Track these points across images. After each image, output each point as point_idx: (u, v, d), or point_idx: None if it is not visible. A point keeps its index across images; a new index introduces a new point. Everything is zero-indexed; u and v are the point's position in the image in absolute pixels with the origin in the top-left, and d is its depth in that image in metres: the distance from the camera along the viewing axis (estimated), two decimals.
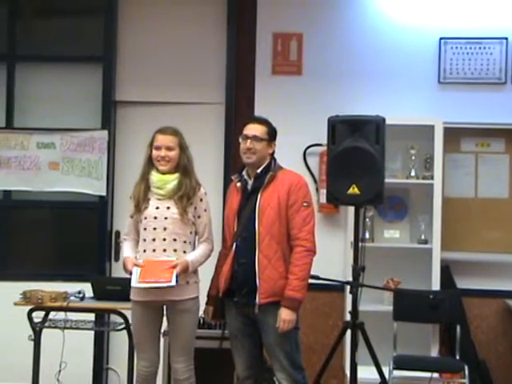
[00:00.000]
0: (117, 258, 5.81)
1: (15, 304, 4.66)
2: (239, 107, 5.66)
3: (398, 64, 5.60)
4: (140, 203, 4.11)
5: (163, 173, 4.11)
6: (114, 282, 4.81)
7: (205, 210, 4.18)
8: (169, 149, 4.11)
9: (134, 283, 3.97)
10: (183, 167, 4.14)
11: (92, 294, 4.79)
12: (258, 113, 5.50)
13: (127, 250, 4.18)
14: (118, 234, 5.81)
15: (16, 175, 5.73)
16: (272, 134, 4.14)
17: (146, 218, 4.09)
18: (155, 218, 4.07)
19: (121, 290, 4.54)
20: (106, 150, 5.69)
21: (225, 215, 4.24)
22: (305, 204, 4.02)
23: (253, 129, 4.09)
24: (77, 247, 5.88)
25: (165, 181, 4.10)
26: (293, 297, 3.90)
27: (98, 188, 5.70)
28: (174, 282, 3.91)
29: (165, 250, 4.05)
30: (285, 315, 3.90)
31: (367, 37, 5.63)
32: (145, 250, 4.09)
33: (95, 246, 5.78)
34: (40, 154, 5.72)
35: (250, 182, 4.11)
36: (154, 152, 4.12)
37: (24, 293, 4.67)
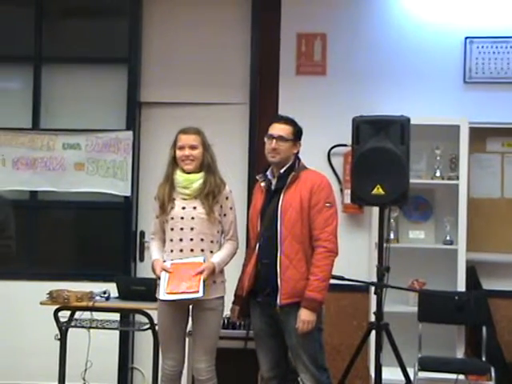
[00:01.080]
0: (142, 259, 5.84)
1: (41, 304, 4.69)
2: (263, 107, 5.66)
3: (423, 63, 5.58)
4: (165, 204, 4.12)
5: (188, 172, 4.13)
6: (139, 282, 4.83)
7: (230, 208, 4.19)
8: (192, 148, 4.12)
9: (161, 296, 3.99)
10: (207, 165, 4.15)
11: (117, 294, 4.82)
12: (281, 113, 5.49)
13: (154, 250, 4.20)
14: (142, 234, 5.83)
15: (42, 176, 5.78)
16: (297, 135, 4.13)
17: (172, 219, 4.10)
18: (182, 218, 4.09)
19: (145, 290, 4.56)
20: (131, 150, 5.72)
21: (250, 215, 4.25)
22: (327, 204, 4.00)
23: (278, 129, 4.09)
24: (102, 247, 5.92)
25: (190, 180, 4.12)
26: (313, 297, 3.89)
27: (122, 188, 5.73)
28: (201, 293, 3.93)
29: (192, 250, 4.07)
30: (304, 316, 3.89)
31: (392, 36, 5.61)
32: (172, 250, 4.11)
33: (120, 246, 5.82)
34: (66, 154, 5.77)
35: (274, 182, 4.11)
36: (178, 152, 4.14)
37: (50, 292, 4.71)
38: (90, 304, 4.66)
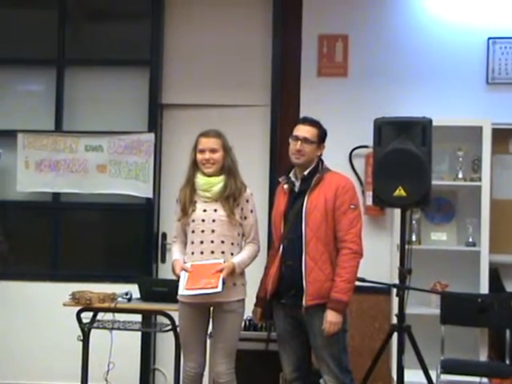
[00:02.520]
0: (163, 260, 5.86)
1: (64, 305, 4.72)
2: (285, 109, 5.67)
3: (445, 64, 5.56)
4: (187, 207, 4.14)
5: (209, 175, 4.14)
6: (161, 284, 4.85)
7: (251, 211, 4.19)
8: (213, 151, 4.14)
9: (180, 291, 4.01)
10: (228, 168, 4.16)
11: (139, 296, 4.84)
12: (303, 114, 5.48)
13: (176, 252, 4.23)
14: (164, 235, 5.85)
15: (65, 178, 5.82)
16: (322, 137, 4.13)
17: (193, 221, 4.12)
18: (203, 220, 4.10)
19: (167, 291, 4.57)
20: (153, 152, 5.74)
21: (272, 217, 4.25)
22: (352, 206, 4.01)
23: (304, 130, 4.09)
24: (124, 249, 5.95)
25: (211, 183, 4.13)
26: (339, 299, 3.89)
27: (144, 190, 5.75)
28: (220, 288, 3.93)
29: (212, 252, 4.08)
30: (331, 317, 3.89)
31: (414, 37, 5.60)
32: (193, 253, 4.13)
33: (142, 248, 5.84)
34: (88, 156, 5.80)
35: (297, 184, 4.12)
36: (199, 155, 4.15)
37: (73, 294, 4.74)
38: (113, 305, 4.68)
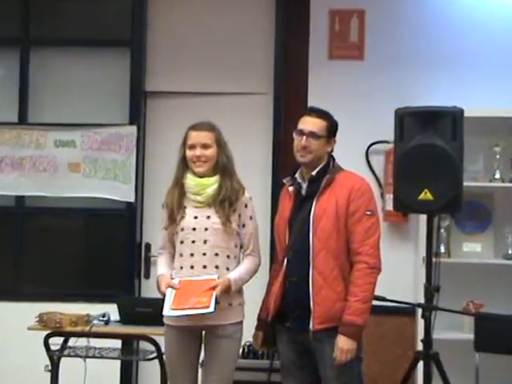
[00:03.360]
0: (147, 275, 5.87)
1: (29, 329, 4.72)
2: (290, 98, 5.68)
3: (480, 45, 5.58)
4: (175, 213, 4.13)
5: (200, 176, 4.14)
6: (144, 304, 4.86)
7: (250, 218, 4.19)
8: (204, 147, 4.13)
9: (166, 311, 4.00)
10: (222, 167, 4.15)
11: (118, 318, 4.84)
12: (311, 104, 5.49)
13: (162, 265, 4.22)
14: (148, 246, 5.86)
15: (30, 178, 5.83)
16: (332, 130, 4.12)
17: (183, 230, 4.12)
18: (194, 229, 4.10)
19: (152, 312, 4.56)
20: (135, 148, 5.76)
21: (275, 225, 4.24)
22: (368, 212, 4.00)
23: (310, 123, 4.08)
24: (101, 262, 5.96)
25: (203, 185, 4.13)
26: (352, 322, 3.88)
27: (125, 193, 5.77)
28: (212, 308, 3.93)
29: (205, 267, 4.07)
30: (343, 344, 3.88)
31: (443, 12, 5.62)
32: (181, 267, 4.12)
33: (122, 261, 5.86)
34: (58, 153, 5.81)
35: (304, 186, 4.11)
36: (188, 152, 4.15)
37: (40, 315, 4.73)
38: (87, 329, 4.68)
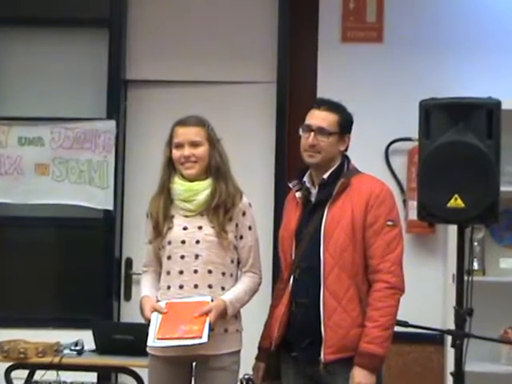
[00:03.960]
0: (128, 297, 5.86)
1: None
2: (296, 87, 5.68)
3: None
4: (160, 224, 4.11)
5: (190, 179, 4.12)
6: (124, 330, 4.84)
7: (249, 228, 4.17)
8: (194, 145, 4.11)
9: (150, 341, 3.98)
10: (215, 168, 4.14)
11: (94, 346, 4.83)
12: (321, 94, 5.49)
13: (146, 286, 4.20)
14: (129, 262, 5.86)
15: None
16: (345, 125, 4.09)
17: (170, 243, 4.09)
18: (183, 242, 4.07)
19: (133, 340, 4.58)
20: (114, 147, 5.76)
21: (280, 237, 4.22)
22: (389, 223, 3.98)
23: (319, 118, 4.06)
24: (74, 281, 5.94)
25: (194, 190, 4.10)
26: (371, 352, 3.86)
27: (102, 200, 5.76)
28: (205, 339, 3.91)
29: (196, 287, 4.05)
30: (359, 378, 3.86)
31: None
32: (169, 287, 4.10)
33: (99, 280, 5.85)
34: (23, 152, 5.81)
35: (314, 192, 4.10)
36: (175, 152, 4.12)
37: (0, 344, 4.72)
38: (57, 360, 4.67)
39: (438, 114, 4.23)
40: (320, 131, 4.02)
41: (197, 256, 4.05)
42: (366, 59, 5.67)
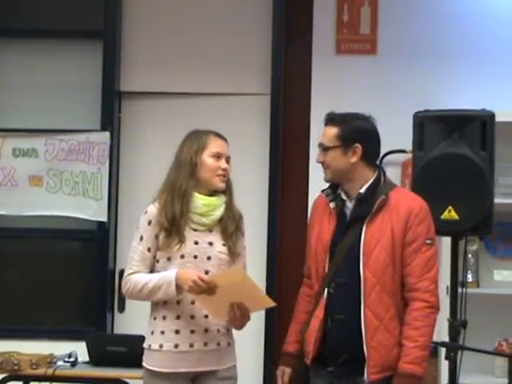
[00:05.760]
0: (122, 308, 5.84)
1: None
2: (290, 99, 5.68)
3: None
4: (172, 234, 3.99)
5: (209, 194, 4.03)
6: (118, 342, 4.84)
7: (244, 248, 4.17)
8: (228, 160, 4.06)
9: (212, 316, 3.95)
10: (229, 185, 4.10)
11: (87, 358, 4.82)
12: (315, 106, 5.51)
13: (151, 275, 4.01)
14: (123, 274, 5.80)
15: None
16: (347, 136, 3.96)
17: (183, 257, 3.94)
18: (195, 257, 4.00)
19: (127, 351, 4.57)
20: (108, 158, 5.74)
21: (312, 247, 4.07)
22: (428, 241, 3.90)
23: (322, 134, 4.02)
24: (67, 293, 5.93)
25: (213, 206, 4.01)
26: (413, 373, 3.78)
27: (96, 211, 5.75)
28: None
29: (207, 316, 3.97)
30: None
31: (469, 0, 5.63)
32: (178, 301, 3.96)
33: (92, 292, 5.84)
34: (17, 164, 5.80)
35: (350, 205, 4.02)
36: (212, 161, 4.02)
37: None
38: (50, 372, 4.66)
39: (432, 126, 4.25)
40: (321, 147, 4.00)
41: (206, 272, 3.99)
42: (360, 71, 5.67)
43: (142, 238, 4.05)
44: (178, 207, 3.98)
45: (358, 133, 3.96)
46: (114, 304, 5.86)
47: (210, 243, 3.99)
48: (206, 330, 3.95)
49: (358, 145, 3.92)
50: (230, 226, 4.03)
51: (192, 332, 3.93)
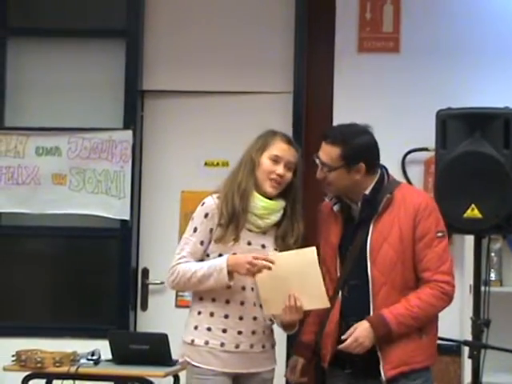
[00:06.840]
0: (144, 307, 5.85)
1: (5, 369, 4.73)
2: (313, 97, 5.68)
3: None
4: (229, 230, 3.92)
5: (269, 197, 3.97)
6: (141, 340, 4.83)
7: None
8: (288, 167, 3.96)
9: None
10: (293, 193, 4.01)
11: (110, 356, 4.83)
12: (338, 104, 5.51)
13: (195, 264, 3.93)
14: (146, 272, 5.84)
15: (7, 192, 5.84)
16: (351, 156, 3.89)
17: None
18: None
19: (149, 349, 4.58)
20: (131, 157, 5.75)
21: (321, 251, 4.03)
22: (439, 234, 3.89)
23: (324, 152, 3.91)
24: (90, 291, 5.96)
25: (271, 209, 3.96)
26: (387, 321, 3.80)
27: (119, 210, 5.77)
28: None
29: (254, 304, 3.92)
30: (360, 332, 3.81)
31: None
32: (228, 301, 3.93)
33: (115, 290, 5.86)
34: (40, 162, 5.83)
35: (357, 208, 3.99)
36: (269, 163, 3.95)
37: (17, 354, 4.72)
38: (73, 370, 4.66)
39: (455, 124, 4.24)
40: (324, 166, 3.95)
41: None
42: (383, 69, 5.66)
43: (195, 230, 3.97)
44: (238, 204, 3.92)
45: (361, 151, 3.91)
46: (137, 302, 5.87)
47: (263, 246, 3.95)
48: (254, 332, 3.92)
49: (361, 164, 3.89)
50: (284, 232, 3.99)
51: (239, 333, 3.90)
